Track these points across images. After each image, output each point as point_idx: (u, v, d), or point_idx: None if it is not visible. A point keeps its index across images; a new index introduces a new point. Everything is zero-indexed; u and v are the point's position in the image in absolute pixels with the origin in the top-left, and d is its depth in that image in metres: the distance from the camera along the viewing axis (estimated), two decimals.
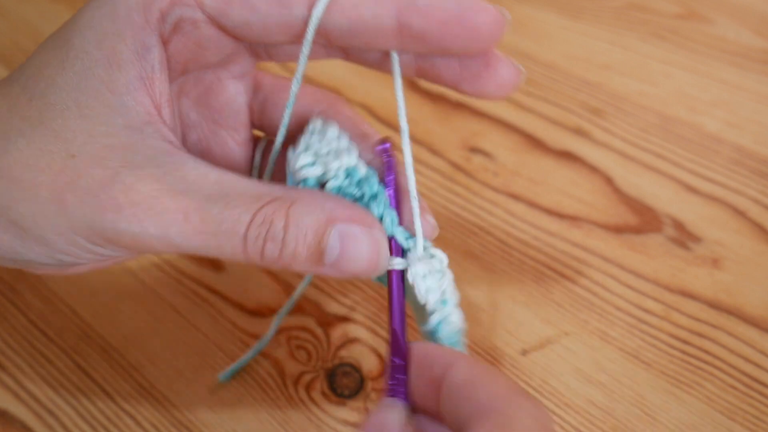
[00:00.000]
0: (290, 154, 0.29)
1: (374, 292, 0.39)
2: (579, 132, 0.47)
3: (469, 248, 0.41)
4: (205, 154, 0.32)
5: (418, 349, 0.27)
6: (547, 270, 0.40)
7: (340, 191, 0.28)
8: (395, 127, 0.47)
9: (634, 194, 0.43)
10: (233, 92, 0.31)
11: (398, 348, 0.27)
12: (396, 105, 0.28)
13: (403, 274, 0.28)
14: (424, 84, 0.50)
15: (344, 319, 0.38)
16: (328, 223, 0.26)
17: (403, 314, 0.28)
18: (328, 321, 0.38)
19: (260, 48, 0.30)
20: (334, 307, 0.38)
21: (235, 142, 0.32)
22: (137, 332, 0.38)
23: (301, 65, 0.28)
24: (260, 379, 0.36)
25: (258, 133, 0.33)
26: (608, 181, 0.44)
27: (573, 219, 0.42)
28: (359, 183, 0.28)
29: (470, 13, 0.26)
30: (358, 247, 0.26)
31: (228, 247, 0.26)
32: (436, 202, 0.43)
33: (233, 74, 0.31)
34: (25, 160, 0.27)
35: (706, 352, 0.36)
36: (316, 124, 0.29)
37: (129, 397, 0.36)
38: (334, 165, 0.28)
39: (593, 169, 0.45)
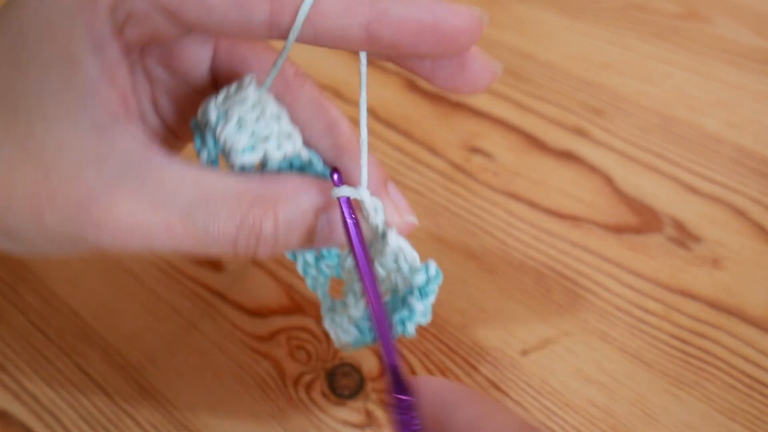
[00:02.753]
0: (211, 116, 0.27)
1: None
2: (579, 132, 0.47)
3: (469, 248, 0.41)
4: (173, 101, 0.31)
5: (425, 386, 0.25)
6: (547, 270, 0.40)
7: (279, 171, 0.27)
8: (395, 127, 0.47)
9: (634, 194, 0.43)
10: (195, 58, 0.30)
11: (399, 384, 0.25)
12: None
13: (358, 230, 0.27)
14: (424, 84, 0.50)
15: None
16: (316, 214, 0.26)
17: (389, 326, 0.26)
18: None
19: None
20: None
21: (201, 96, 0.30)
22: (137, 332, 0.38)
23: (271, 77, 0.27)
24: (260, 379, 0.36)
25: None
26: (608, 181, 0.44)
27: (573, 219, 0.42)
28: (302, 168, 0.28)
29: (444, 21, 0.25)
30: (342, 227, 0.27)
31: (216, 250, 0.26)
32: (436, 202, 0.43)
33: (194, 40, 0.30)
34: None
35: (707, 352, 0.36)
36: (249, 92, 0.27)
37: (129, 397, 0.36)
38: (277, 155, 0.27)
39: (593, 169, 0.45)
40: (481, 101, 0.49)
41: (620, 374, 0.35)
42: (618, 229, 0.41)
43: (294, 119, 0.29)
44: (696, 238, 0.41)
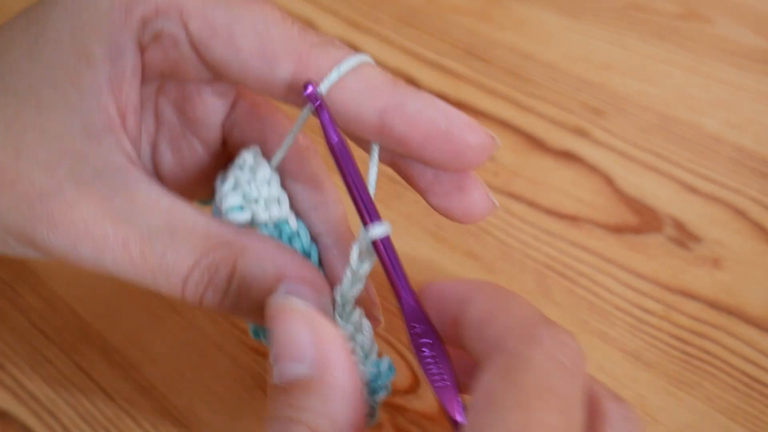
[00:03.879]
0: (218, 184, 0.28)
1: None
2: (579, 132, 0.47)
3: (469, 248, 0.41)
4: (174, 153, 0.30)
5: (430, 291, 0.24)
6: (547, 270, 0.40)
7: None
8: None
9: (634, 194, 0.43)
10: (211, 109, 0.29)
11: (408, 295, 0.25)
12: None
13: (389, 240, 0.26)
14: (424, 84, 0.50)
15: None
16: (277, 279, 0.25)
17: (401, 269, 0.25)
18: None
19: None
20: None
21: (206, 152, 0.30)
22: (137, 332, 0.38)
23: (284, 149, 0.27)
24: (260, 379, 0.36)
25: None
26: (608, 181, 0.44)
27: (573, 219, 0.42)
28: (290, 239, 0.27)
29: (458, 132, 0.24)
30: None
31: (165, 286, 0.25)
32: None
33: (215, 90, 0.29)
34: None
35: (707, 352, 0.36)
36: (246, 158, 0.28)
37: (129, 397, 0.36)
38: (263, 216, 0.27)
39: (593, 169, 0.45)
40: (481, 101, 0.49)
41: (620, 374, 0.35)
42: (618, 229, 0.41)
43: (292, 188, 0.29)
44: (696, 238, 0.41)
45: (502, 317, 0.22)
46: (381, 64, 0.52)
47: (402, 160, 0.27)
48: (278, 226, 0.28)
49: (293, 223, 0.28)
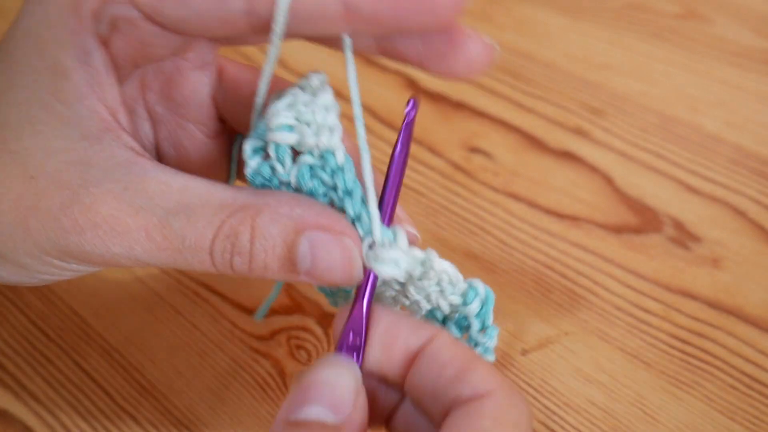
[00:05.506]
0: (272, 99, 0.26)
1: None
2: (579, 132, 0.47)
3: (469, 248, 0.41)
4: (177, 149, 0.31)
5: (388, 313, 0.26)
6: (547, 270, 0.40)
7: (312, 170, 0.26)
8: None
9: (634, 194, 0.43)
10: (195, 84, 0.30)
11: (359, 304, 0.26)
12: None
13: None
14: (424, 84, 0.50)
15: None
16: (297, 231, 0.25)
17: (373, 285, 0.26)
18: (328, 321, 0.38)
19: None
20: (334, 307, 0.38)
21: (204, 135, 0.31)
22: (137, 332, 0.38)
23: (266, 74, 0.27)
24: (260, 379, 0.36)
25: None
26: (608, 181, 0.44)
27: (573, 219, 0.42)
28: (333, 172, 0.26)
29: None
30: (330, 256, 0.25)
31: (195, 262, 0.25)
32: (436, 201, 0.43)
33: (193, 64, 0.29)
34: None
35: (706, 352, 0.36)
36: (312, 80, 0.27)
37: (129, 397, 0.36)
38: (311, 141, 0.26)
39: (593, 169, 0.45)
40: (481, 101, 0.49)
41: (620, 374, 0.35)
42: (618, 229, 0.41)
43: None
44: (696, 238, 0.41)
45: (480, 368, 0.24)
46: (381, 63, 0.52)
47: (385, 42, 0.26)
48: (324, 155, 0.26)
49: (340, 156, 0.26)
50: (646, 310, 0.38)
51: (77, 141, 0.26)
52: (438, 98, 0.50)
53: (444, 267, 0.26)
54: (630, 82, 0.50)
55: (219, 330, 0.38)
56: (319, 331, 0.38)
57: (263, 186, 0.27)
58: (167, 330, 0.38)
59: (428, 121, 0.48)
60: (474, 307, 0.27)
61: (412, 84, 0.51)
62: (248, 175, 0.27)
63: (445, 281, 0.27)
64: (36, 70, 0.26)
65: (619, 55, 0.52)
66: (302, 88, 0.27)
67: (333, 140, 0.26)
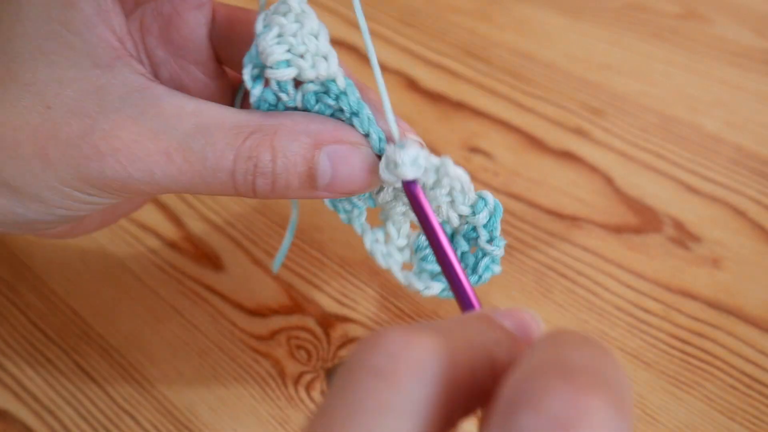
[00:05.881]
0: (258, 29, 0.26)
1: (374, 292, 0.39)
2: (579, 132, 0.47)
3: None
4: (179, 91, 0.30)
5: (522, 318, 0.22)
6: (547, 270, 0.40)
7: (316, 95, 0.27)
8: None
9: (634, 194, 0.43)
10: (193, 24, 0.30)
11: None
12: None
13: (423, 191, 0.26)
14: (424, 84, 0.50)
15: (344, 319, 0.38)
16: (316, 146, 0.26)
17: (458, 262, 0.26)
18: (328, 321, 0.38)
19: None
20: (334, 307, 0.38)
21: (205, 75, 0.31)
22: (137, 332, 0.38)
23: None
24: (260, 379, 0.36)
25: None
26: (608, 181, 0.44)
27: (573, 219, 0.42)
28: (336, 97, 0.26)
29: None
30: (350, 166, 0.26)
31: (217, 184, 0.26)
32: None
33: (190, 4, 0.30)
34: (3, 120, 0.26)
35: (706, 352, 0.36)
36: (292, 3, 0.26)
37: (129, 397, 0.36)
38: (309, 74, 0.26)
39: (593, 169, 0.45)
40: (481, 101, 0.49)
41: None
42: (618, 229, 0.41)
43: None
44: (696, 238, 0.41)
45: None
46: (381, 63, 0.52)
47: None
48: (325, 84, 0.26)
49: (341, 82, 0.26)
50: (646, 310, 0.38)
51: (89, 69, 0.26)
52: (438, 98, 0.50)
53: (458, 173, 0.26)
54: (630, 82, 0.50)
55: (219, 330, 0.38)
56: (319, 331, 0.38)
57: (270, 110, 0.27)
58: (167, 330, 0.38)
59: (428, 120, 0.48)
60: (482, 217, 0.27)
61: (412, 84, 0.51)
62: (253, 104, 0.27)
63: (457, 189, 0.27)
64: (43, 1, 0.26)
65: (619, 55, 0.52)
66: (284, 15, 0.26)
67: (331, 68, 0.26)
